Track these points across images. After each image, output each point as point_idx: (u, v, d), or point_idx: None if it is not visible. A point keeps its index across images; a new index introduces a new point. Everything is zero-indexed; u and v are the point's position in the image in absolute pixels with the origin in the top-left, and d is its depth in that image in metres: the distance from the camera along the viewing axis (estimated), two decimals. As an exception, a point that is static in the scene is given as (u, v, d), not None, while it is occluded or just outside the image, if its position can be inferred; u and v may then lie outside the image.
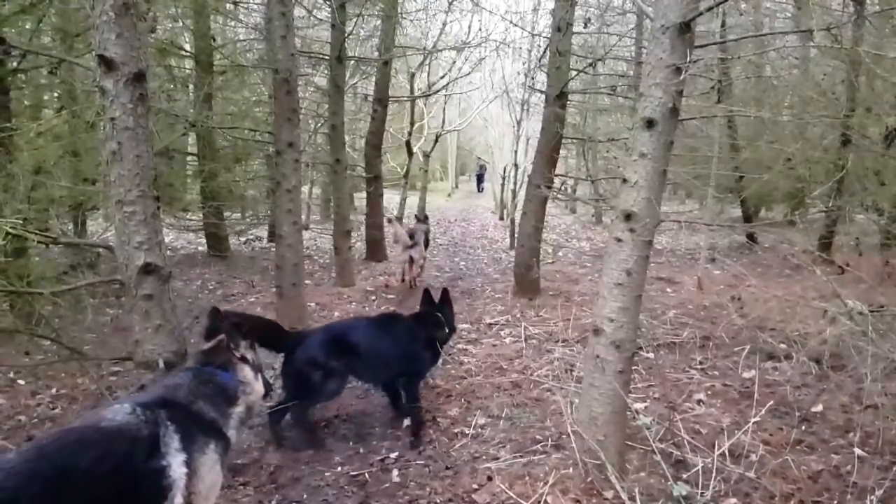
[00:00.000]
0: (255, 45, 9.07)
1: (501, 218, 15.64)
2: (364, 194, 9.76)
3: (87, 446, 1.67)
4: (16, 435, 3.34)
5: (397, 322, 3.70)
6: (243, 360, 2.19)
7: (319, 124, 10.03)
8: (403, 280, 7.45)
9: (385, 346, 3.47)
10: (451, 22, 12.15)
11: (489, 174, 23.39)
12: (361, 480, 2.96)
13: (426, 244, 7.73)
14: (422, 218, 8.11)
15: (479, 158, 27.06)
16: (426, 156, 14.82)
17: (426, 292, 3.83)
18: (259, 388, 2.23)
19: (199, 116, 6.69)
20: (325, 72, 8.85)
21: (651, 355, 4.40)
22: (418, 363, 3.59)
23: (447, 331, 3.70)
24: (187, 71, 9.08)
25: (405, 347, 3.50)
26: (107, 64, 2.91)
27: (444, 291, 3.85)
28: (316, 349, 3.31)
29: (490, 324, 5.64)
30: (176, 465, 1.77)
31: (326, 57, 8.00)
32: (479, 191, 28.25)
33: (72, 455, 1.62)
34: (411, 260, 7.32)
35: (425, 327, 3.62)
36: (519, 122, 11.57)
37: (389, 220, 8.43)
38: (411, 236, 7.34)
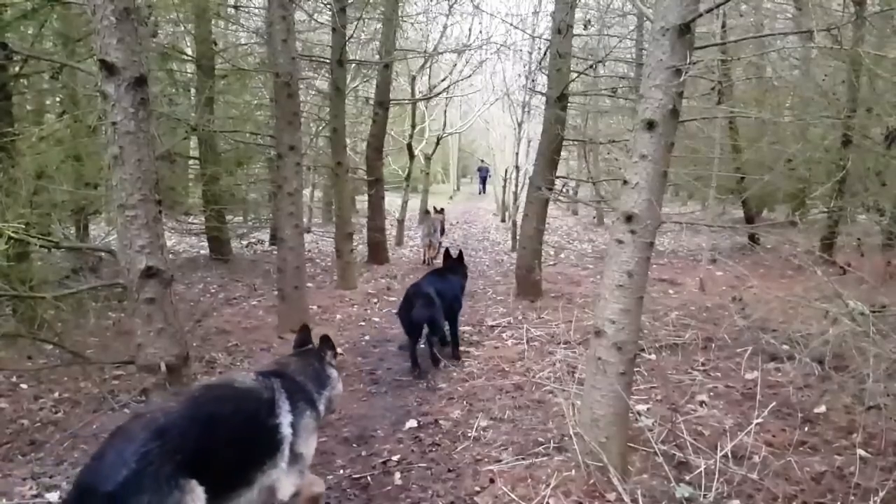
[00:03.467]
0: (257, 48, 9.10)
1: (503, 220, 15.64)
2: (365, 197, 9.81)
3: (227, 399, 2.11)
4: (18, 438, 3.35)
5: (447, 276, 5.08)
6: (329, 364, 2.62)
7: (321, 127, 10.05)
8: (424, 261, 9.56)
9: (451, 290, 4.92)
10: (451, 25, 12.18)
11: (491, 176, 23.38)
12: (363, 483, 2.96)
13: (442, 231, 9.96)
14: (438, 210, 10.60)
15: (482, 161, 27.08)
16: (427, 158, 14.84)
17: (446, 251, 5.44)
18: (340, 387, 2.63)
19: (200, 120, 6.71)
20: (326, 75, 8.86)
21: (653, 357, 4.39)
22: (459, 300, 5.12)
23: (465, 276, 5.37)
24: (189, 75, 9.12)
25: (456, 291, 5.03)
26: (108, 68, 2.92)
27: (460, 252, 5.40)
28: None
29: (492, 326, 5.64)
30: (285, 424, 2.15)
31: (327, 60, 8.02)
32: (482, 192, 28.17)
33: (218, 405, 2.05)
34: (430, 243, 9.48)
35: (458, 275, 5.21)
36: (520, 125, 11.58)
37: (427, 212, 11.25)
38: (433, 227, 9.50)
